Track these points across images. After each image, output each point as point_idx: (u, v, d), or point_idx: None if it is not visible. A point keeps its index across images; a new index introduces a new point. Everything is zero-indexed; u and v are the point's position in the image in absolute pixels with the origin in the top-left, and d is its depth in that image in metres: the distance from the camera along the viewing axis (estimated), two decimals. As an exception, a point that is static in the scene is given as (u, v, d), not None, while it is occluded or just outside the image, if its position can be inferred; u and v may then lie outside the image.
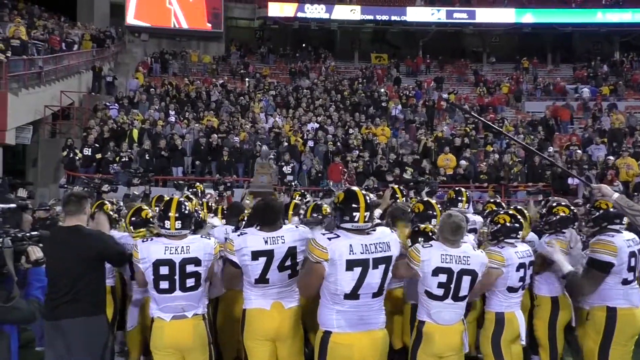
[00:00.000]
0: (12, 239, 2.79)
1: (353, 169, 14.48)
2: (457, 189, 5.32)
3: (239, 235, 3.48)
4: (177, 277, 3.42)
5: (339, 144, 16.07)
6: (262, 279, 3.44)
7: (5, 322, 2.82)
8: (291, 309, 3.53)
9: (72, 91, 18.26)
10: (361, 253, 3.04)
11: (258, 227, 3.53)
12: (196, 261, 3.47)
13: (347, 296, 3.06)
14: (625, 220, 3.82)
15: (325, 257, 3.01)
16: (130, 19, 25.87)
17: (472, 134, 17.24)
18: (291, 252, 3.48)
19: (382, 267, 3.10)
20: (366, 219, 3.09)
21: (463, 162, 14.97)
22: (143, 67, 22.82)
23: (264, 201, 3.74)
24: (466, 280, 3.39)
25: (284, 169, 14.32)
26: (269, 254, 3.42)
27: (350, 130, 17.28)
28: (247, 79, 23.00)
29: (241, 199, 8.03)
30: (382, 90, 21.80)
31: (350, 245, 3.03)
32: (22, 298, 2.78)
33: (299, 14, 27.13)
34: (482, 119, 10.85)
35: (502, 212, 4.08)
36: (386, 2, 28.92)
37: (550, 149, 16.03)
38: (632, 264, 3.77)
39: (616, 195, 2.80)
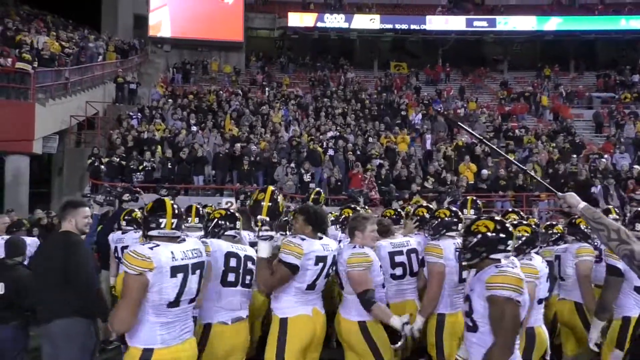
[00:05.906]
0: None
1: (373, 177, 14.44)
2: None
3: (302, 240, 3.46)
4: (241, 271, 3.49)
5: (358, 152, 16.06)
6: (312, 285, 3.51)
7: None
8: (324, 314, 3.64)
9: (97, 101, 18.65)
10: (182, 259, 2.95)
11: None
12: (253, 260, 3.57)
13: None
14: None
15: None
16: (165, 32, 26.34)
17: (492, 143, 17.06)
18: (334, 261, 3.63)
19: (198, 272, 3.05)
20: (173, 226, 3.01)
21: (484, 172, 14.81)
22: (163, 81, 23.10)
23: (315, 208, 3.75)
24: None
25: (305, 177, 14.35)
26: (325, 260, 3.52)
27: (370, 139, 17.27)
28: (267, 89, 23.18)
29: None
30: (405, 101, 21.61)
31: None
32: None
33: (319, 24, 27.31)
34: (470, 130, 10.47)
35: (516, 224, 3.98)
36: (406, 11, 28.96)
37: (574, 156, 15.80)
38: None
39: (582, 205, 2.53)
